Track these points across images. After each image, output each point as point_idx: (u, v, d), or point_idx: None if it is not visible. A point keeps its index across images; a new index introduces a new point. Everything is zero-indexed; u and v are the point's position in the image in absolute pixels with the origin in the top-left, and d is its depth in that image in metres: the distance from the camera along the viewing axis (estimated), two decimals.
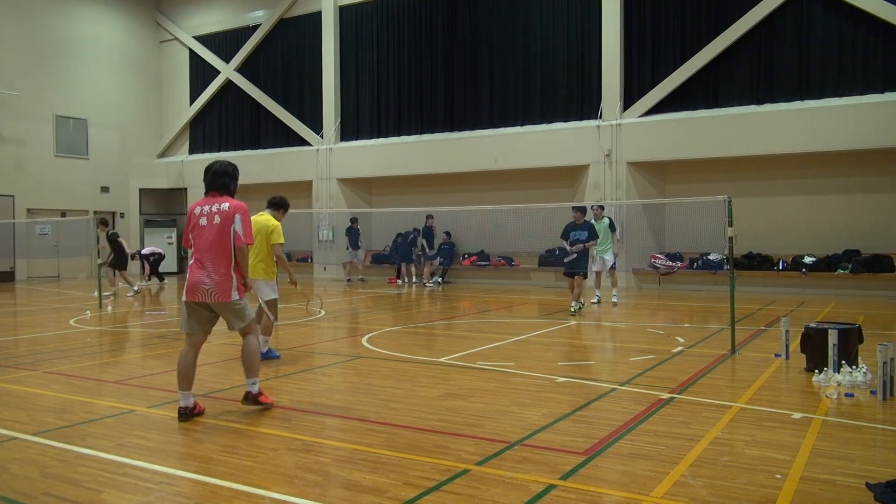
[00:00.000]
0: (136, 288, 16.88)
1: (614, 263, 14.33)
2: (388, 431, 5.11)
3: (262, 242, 7.62)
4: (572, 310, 12.09)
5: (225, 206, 5.47)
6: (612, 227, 13.93)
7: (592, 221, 13.66)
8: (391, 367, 7.66)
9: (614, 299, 13.95)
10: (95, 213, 22.80)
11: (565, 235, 12.43)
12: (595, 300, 13.30)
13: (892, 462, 4.37)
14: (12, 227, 21.66)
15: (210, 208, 5.49)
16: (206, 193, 5.64)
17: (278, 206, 7.98)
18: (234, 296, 5.42)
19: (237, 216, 5.41)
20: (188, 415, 5.41)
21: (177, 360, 5.53)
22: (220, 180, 5.59)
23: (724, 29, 16.91)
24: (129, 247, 24.50)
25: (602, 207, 14.09)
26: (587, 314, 12.55)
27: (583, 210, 12.56)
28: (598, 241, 13.75)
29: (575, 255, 12.18)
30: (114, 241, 16.70)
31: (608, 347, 9.49)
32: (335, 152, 22.46)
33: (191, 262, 5.52)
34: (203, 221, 5.46)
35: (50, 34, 23.66)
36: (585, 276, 12.58)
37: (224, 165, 5.69)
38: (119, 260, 16.69)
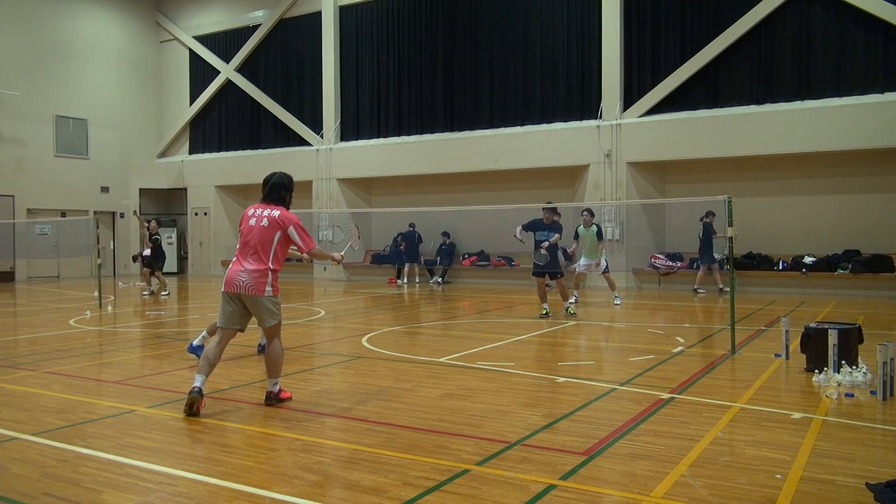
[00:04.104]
0: (151, 289, 17.10)
1: (606, 266, 14.21)
2: (388, 431, 5.10)
3: None
4: (570, 311, 12.05)
5: (276, 213, 5.83)
6: (599, 235, 13.52)
7: (580, 227, 13.57)
8: (391, 367, 7.66)
9: (616, 300, 13.89)
10: (95, 213, 22.82)
11: (529, 228, 11.68)
12: (573, 300, 12.82)
13: (892, 462, 4.37)
14: (12, 227, 21.67)
15: (262, 212, 5.86)
16: (262, 201, 5.99)
17: None
18: (268, 291, 5.73)
19: (291, 228, 5.79)
20: (198, 393, 5.51)
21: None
22: (277, 193, 5.95)
23: (724, 29, 16.91)
24: (131, 248, 24.71)
25: (591, 213, 13.64)
26: (583, 315, 12.54)
27: (553, 210, 11.76)
28: (585, 247, 13.63)
29: (547, 256, 11.54)
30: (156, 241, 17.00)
31: (608, 347, 9.48)
32: (335, 152, 22.47)
33: (234, 257, 5.91)
34: (252, 222, 5.84)
35: (50, 34, 23.67)
36: (562, 275, 12.20)
37: (281, 178, 6.03)
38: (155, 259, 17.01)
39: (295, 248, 5.97)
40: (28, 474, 4.28)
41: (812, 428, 5.10)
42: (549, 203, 11.91)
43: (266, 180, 6.02)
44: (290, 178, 6.09)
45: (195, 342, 7.93)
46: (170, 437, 5.10)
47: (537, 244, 11.66)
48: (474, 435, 4.98)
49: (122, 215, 25.56)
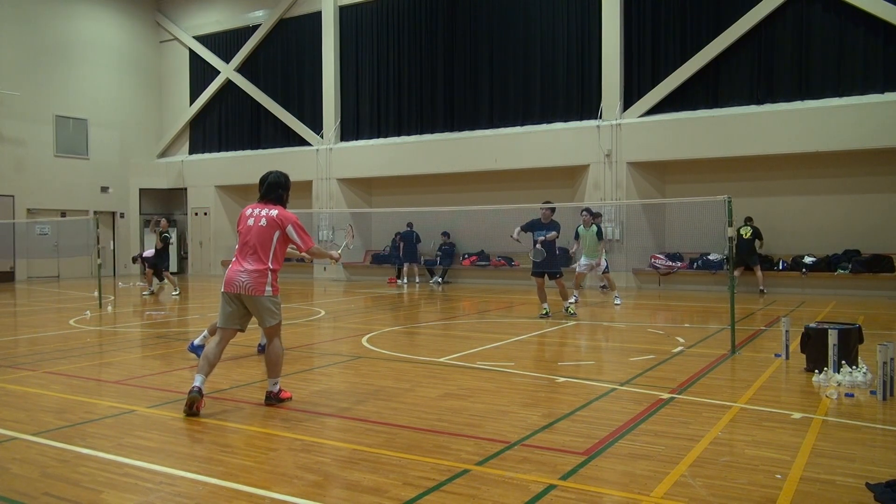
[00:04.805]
0: (151, 289, 17.12)
1: (606, 267, 14.17)
2: (388, 431, 5.10)
3: None
4: (569, 311, 12.04)
5: (273, 212, 5.82)
6: (599, 235, 13.43)
7: (579, 227, 13.52)
8: (391, 367, 7.66)
9: (616, 300, 13.87)
10: (95, 213, 22.83)
11: (527, 229, 11.69)
12: (573, 300, 12.69)
13: (892, 462, 4.37)
14: (12, 227, 21.67)
15: (260, 211, 5.86)
16: (260, 200, 5.97)
17: None
18: (268, 291, 5.72)
19: (289, 227, 5.78)
20: (198, 393, 5.51)
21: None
22: (274, 192, 5.94)
23: (724, 29, 16.91)
24: (131, 248, 24.71)
25: (591, 213, 13.53)
26: (582, 315, 12.54)
27: (552, 209, 11.75)
28: (584, 248, 13.51)
29: (543, 252, 11.47)
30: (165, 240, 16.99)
31: (608, 347, 9.48)
32: (335, 152, 22.47)
33: (233, 258, 5.93)
34: (251, 222, 5.83)
35: (50, 34, 23.66)
36: (561, 275, 12.10)
37: (278, 177, 6.01)
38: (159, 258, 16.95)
39: (294, 247, 5.97)
40: (28, 474, 4.28)
41: (812, 428, 5.10)
42: (548, 202, 11.88)
43: (262, 180, 6.00)
44: (286, 177, 6.05)
45: (196, 341, 7.93)
46: (170, 437, 5.10)
47: (536, 244, 11.64)
48: (474, 435, 4.98)
49: (122, 215, 25.58)
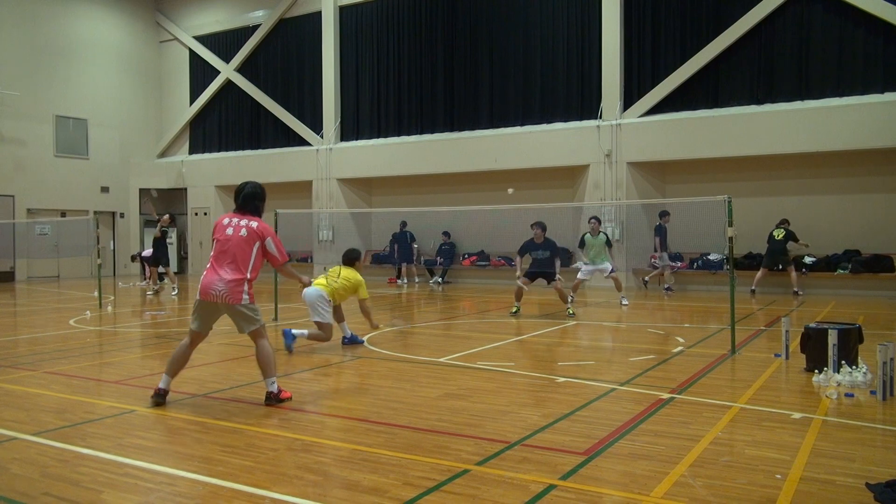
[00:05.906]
0: (155, 288, 17.25)
1: (612, 269, 14.15)
2: (388, 431, 5.11)
3: (348, 293, 8.77)
4: (569, 312, 12.03)
5: (254, 224, 5.94)
6: (608, 243, 13.35)
7: (587, 235, 13.45)
8: (391, 367, 7.66)
9: (623, 301, 13.79)
10: (95, 213, 22.84)
11: (522, 253, 12.06)
12: (570, 299, 12.56)
13: (892, 462, 4.37)
14: (12, 227, 21.67)
15: (239, 221, 5.95)
16: (237, 210, 6.07)
17: (355, 259, 9.04)
18: (245, 299, 5.83)
19: (269, 240, 5.92)
20: (161, 396, 5.81)
21: None
22: (252, 203, 6.05)
23: (724, 29, 16.91)
24: (131, 248, 24.71)
25: (599, 221, 13.46)
26: (582, 315, 12.54)
27: (542, 227, 11.99)
28: (592, 255, 13.37)
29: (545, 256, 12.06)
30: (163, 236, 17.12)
31: (608, 347, 9.49)
32: (335, 152, 22.47)
33: (207, 265, 6.02)
34: (230, 231, 5.91)
35: (50, 34, 23.67)
36: (558, 279, 12.18)
37: (254, 188, 6.11)
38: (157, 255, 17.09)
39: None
40: (28, 474, 4.28)
41: (812, 428, 5.10)
42: (538, 222, 12.08)
43: (238, 191, 6.11)
44: (262, 188, 6.18)
45: (295, 331, 8.54)
46: (170, 437, 5.10)
47: (535, 262, 12.02)
48: (474, 435, 4.98)
49: (122, 215, 25.58)
